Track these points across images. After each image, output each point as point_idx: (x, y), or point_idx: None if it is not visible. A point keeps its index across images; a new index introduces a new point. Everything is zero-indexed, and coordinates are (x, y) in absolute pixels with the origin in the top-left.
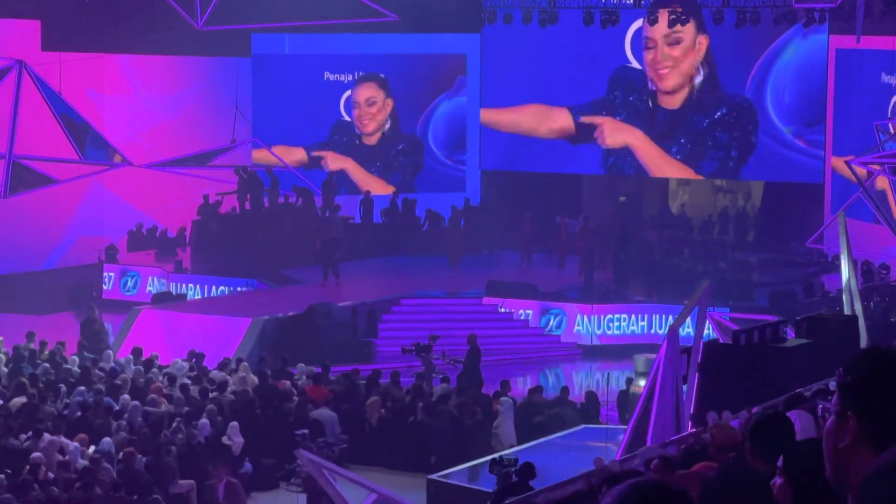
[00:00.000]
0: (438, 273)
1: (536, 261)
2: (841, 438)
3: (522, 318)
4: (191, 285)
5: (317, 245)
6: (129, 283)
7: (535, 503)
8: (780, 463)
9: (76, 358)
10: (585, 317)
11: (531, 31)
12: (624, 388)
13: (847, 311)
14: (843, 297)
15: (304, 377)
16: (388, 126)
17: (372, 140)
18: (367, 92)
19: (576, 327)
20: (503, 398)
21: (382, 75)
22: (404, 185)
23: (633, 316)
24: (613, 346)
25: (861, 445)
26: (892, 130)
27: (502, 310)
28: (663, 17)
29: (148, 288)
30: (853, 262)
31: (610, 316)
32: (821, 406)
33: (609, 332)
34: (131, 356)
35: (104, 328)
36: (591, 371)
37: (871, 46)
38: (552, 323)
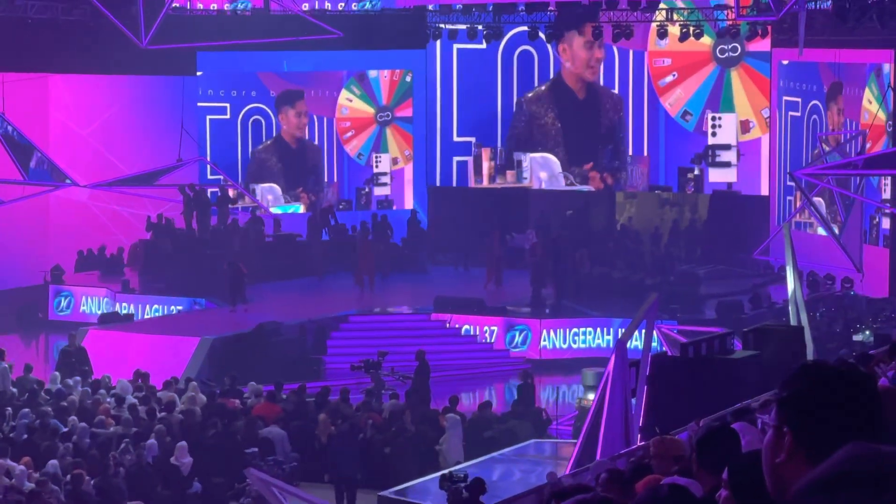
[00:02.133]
0: (385, 289)
1: (481, 275)
2: (778, 453)
3: (472, 333)
4: (138, 305)
5: (225, 268)
6: (63, 304)
7: None
8: (724, 475)
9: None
10: (552, 331)
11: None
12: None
13: (793, 321)
14: (789, 308)
15: (254, 396)
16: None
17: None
18: (302, 106)
19: (542, 343)
20: (449, 414)
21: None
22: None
23: (581, 330)
24: (562, 360)
25: (797, 460)
26: (834, 142)
27: (456, 326)
28: (607, 32)
29: (82, 308)
30: (799, 273)
31: (575, 330)
32: (760, 420)
33: (559, 346)
34: (78, 377)
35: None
36: (539, 385)
37: (813, 59)
38: (517, 339)
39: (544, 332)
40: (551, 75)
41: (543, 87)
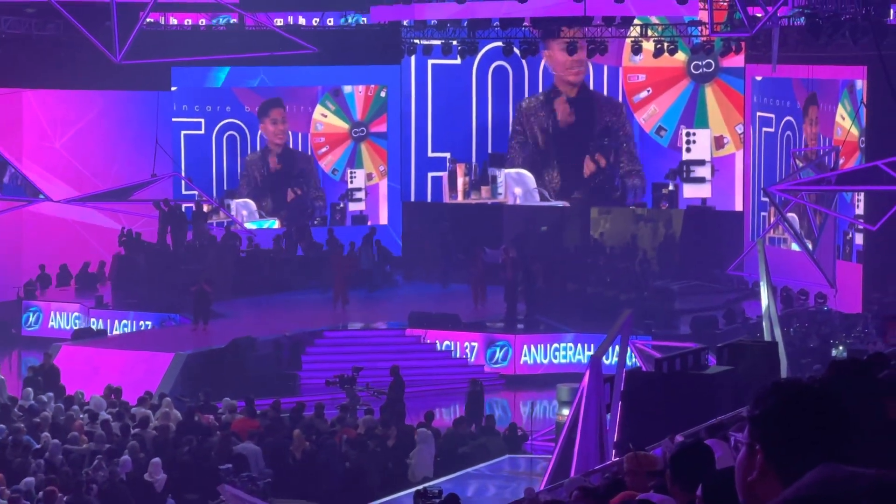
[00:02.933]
0: (359, 305)
1: (458, 291)
2: (750, 471)
3: (452, 349)
4: (108, 320)
5: (192, 290)
6: (32, 319)
7: None
8: (699, 492)
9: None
10: (532, 347)
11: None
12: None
13: (767, 337)
14: (763, 324)
15: (228, 412)
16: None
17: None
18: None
19: (522, 358)
20: (420, 429)
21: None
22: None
23: (562, 345)
24: (536, 375)
25: (768, 478)
26: (807, 159)
27: (430, 342)
28: (582, 48)
29: (50, 323)
30: (773, 289)
31: (556, 345)
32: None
33: (539, 362)
34: (51, 394)
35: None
36: (514, 401)
37: (786, 75)
38: (498, 355)
39: (524, 347)
40: (526, 91)
41: (540, 96)
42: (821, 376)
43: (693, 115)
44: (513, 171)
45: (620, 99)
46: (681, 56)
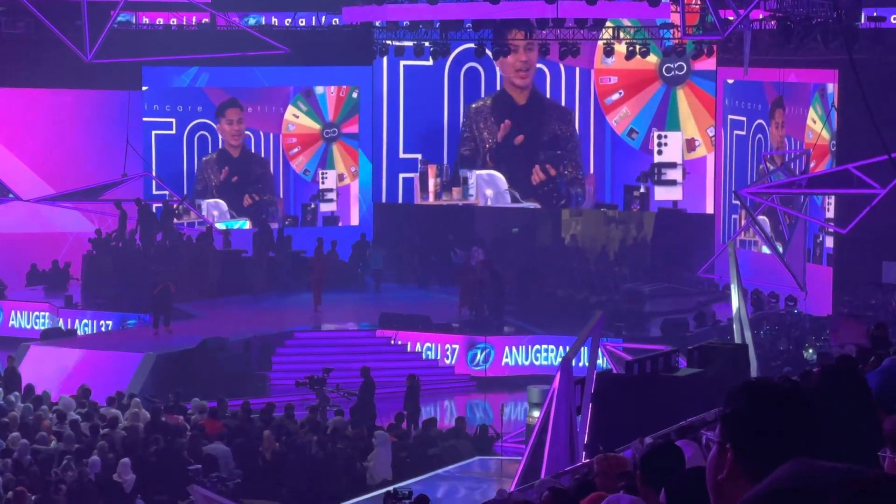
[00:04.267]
0: (330, 307)
1: (431, 291)
2: (720, 469)
3: (433, 352)
4: (82, 321)
5: (154, 293)
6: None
7: None
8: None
9: None
10: (514, 348)
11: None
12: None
13: (738, 339)
14: (734, 326)
15: (198, 412)
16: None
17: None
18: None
19: (504, 360)
20: (377, 432)
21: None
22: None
23: (543, 347)
24: (507, 377)
25: (738, 477)
26: (778, 162)
27: (398, 342)
28: (554, 49)
29: (11, 323)
30: (743, 291)
31: (538, 347)
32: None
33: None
34: (18, 393)
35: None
36: (485, 403)
37: (758, 78)
38: (479, 357)
39: (506, 349)
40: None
41: (488, 99)
42: (812, 379)
43: (665, 117)
44: (484, 172)
45: (592, 101)
46: (653, 59)
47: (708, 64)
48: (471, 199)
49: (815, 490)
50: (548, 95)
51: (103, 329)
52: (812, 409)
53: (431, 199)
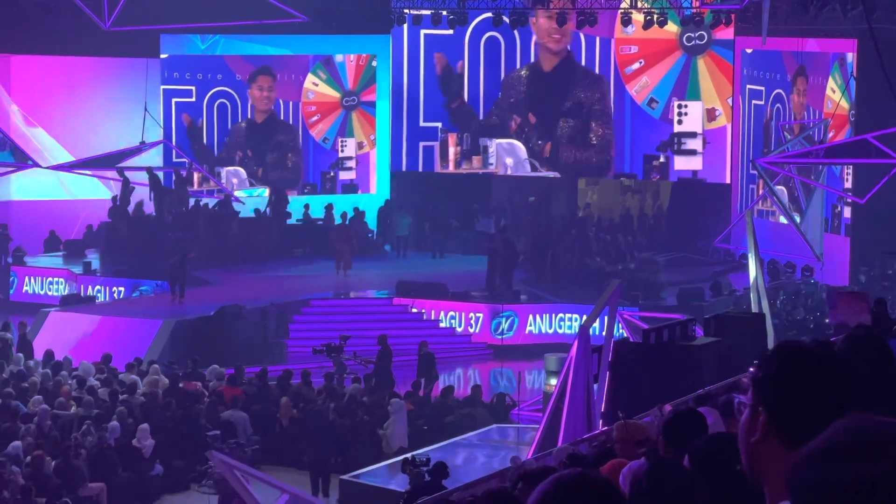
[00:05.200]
0: (352, 274)
1: (447, 260)
2: (753, 432)
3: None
4: (107, 287)
5: (171, 262)
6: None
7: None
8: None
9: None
10: (538, 316)
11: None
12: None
13: (754, 308)
14: (751, 296)
15: (215, 379)
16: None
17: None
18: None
19: (527, 328)
20: (393, 399)
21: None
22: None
23: (567, 316)
24: (523, 346)
25: (770, 440)
26: (796, 131)
27: (420, 310)
28: (572, 19)
29: (24, 288)
30: (760, 261)
31: (561, 315)
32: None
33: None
34: (39, 359)
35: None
36: (506, 370)
37: (776, 48)
38: (503, 325)
39: (530, 317)
40: (517, 61)
41: (523, 69)
42: (836, 344)
43: (685, 87)
44: (504, 141)
45: (612, 71)
46: (673, 28)
47: (727, 33)
48: (490, 168)
49: (873, 445)
50: (582, 59)
51: (116, 296)
52: (844, 372)
53: (451, 168)
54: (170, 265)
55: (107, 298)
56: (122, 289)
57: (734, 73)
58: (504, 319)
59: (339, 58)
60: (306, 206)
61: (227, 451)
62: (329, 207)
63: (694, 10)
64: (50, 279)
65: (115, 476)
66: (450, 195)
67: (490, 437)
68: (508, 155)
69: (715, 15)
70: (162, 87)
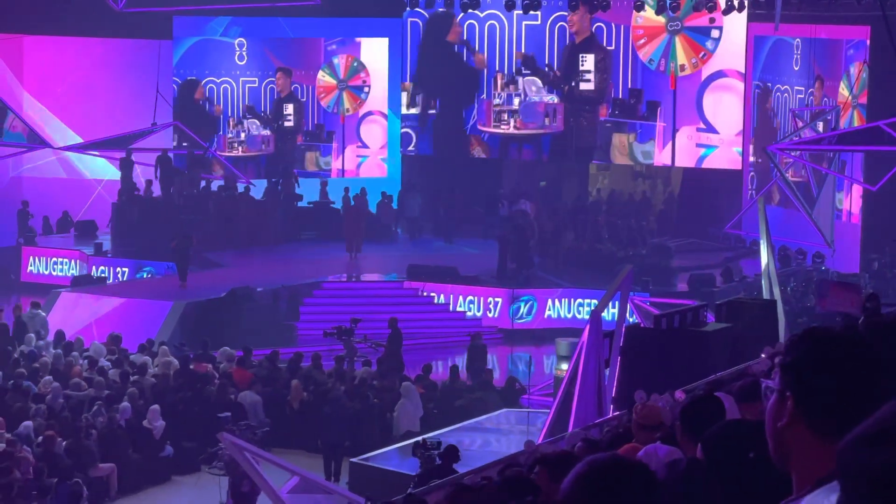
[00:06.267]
0: (362, 257)
1: (459, 244)
2: (780, 417)
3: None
4: (111, 268)
5: (172, 245)
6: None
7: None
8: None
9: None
10: (557, 301)
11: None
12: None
13: (766, 295)
14: (763, 282)
15: (226, 361)
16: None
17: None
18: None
19: (546, 312)
20: (404, 383)
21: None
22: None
23: (586, 301)
24: (534, 330)
25: (797, 425)
26: (808, 118)
27: (424, 293)
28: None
29: (29, 268)
30: (772, 248)
31: (580, 301)
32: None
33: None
34: (50, 340)
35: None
36: (512, 355)
37: (789, 34)
38: (523, 310)
39: (549, 301)
40: (523, 47)
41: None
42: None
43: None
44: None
45: (630, 56)
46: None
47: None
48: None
49: None
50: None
51: (120, 278)
52: (872, 357)
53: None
54: (172, 249)
55: (111, 279)
56: (125, 269)
57: (746, 60)
58: (523, 304)
59: (334, 60)
60: (323, 184)
61: (238, 432)
62: (347, 190)
63: None
64: (48, 259)
65: (126, 457)
66: (462, 180)
67: (500, 420)
68: (531, 84)
69: (728, 1)
70: (174, 68)
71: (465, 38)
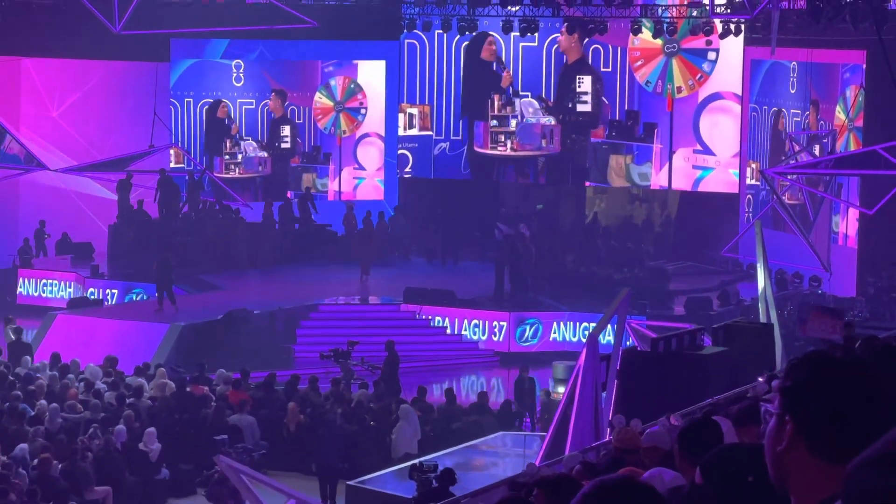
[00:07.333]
0: (355, 279)
1: (454, 268)
2: (779, 441)
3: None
4: (101, 290)
5: (153, 267)
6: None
7: None
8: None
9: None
10: (562, 323)
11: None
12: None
13: (763, 318)
14: (759, 306)
15: (223, 383)
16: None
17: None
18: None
19: (552, 335)
20: (402, 405)
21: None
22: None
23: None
24: (531, 353)
25: (797, 448)
26: (804, 142)
27: (421, 316)
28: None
29: (18, 290)
30: (769, 271)
31: (585, 324)
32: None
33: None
34: (46, 362)
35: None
36: (508, 378)
37: (785, 58)
38: (528, 333)
39: (555, 324)
40: (520, 69)
41: None
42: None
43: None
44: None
45: (627, 78)
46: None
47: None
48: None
49: None
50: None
51: (109, 300)
52: (873, 381)
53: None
54: (153, 271)
55: (104, 301)
56: (115, 291)
57: (742, 82)
58: (528, 327)
59: (331, 82)
60: (349, 207)
61: (234, 455)
62: (368, 214)
63: (702, 20)
64: (37, 280)
65: (122, 479)
66: (458, 202)
67: (496, 444)
68: (528, 106)
69: (724, 24)
70: (171, 90)
71: (500, 55)
